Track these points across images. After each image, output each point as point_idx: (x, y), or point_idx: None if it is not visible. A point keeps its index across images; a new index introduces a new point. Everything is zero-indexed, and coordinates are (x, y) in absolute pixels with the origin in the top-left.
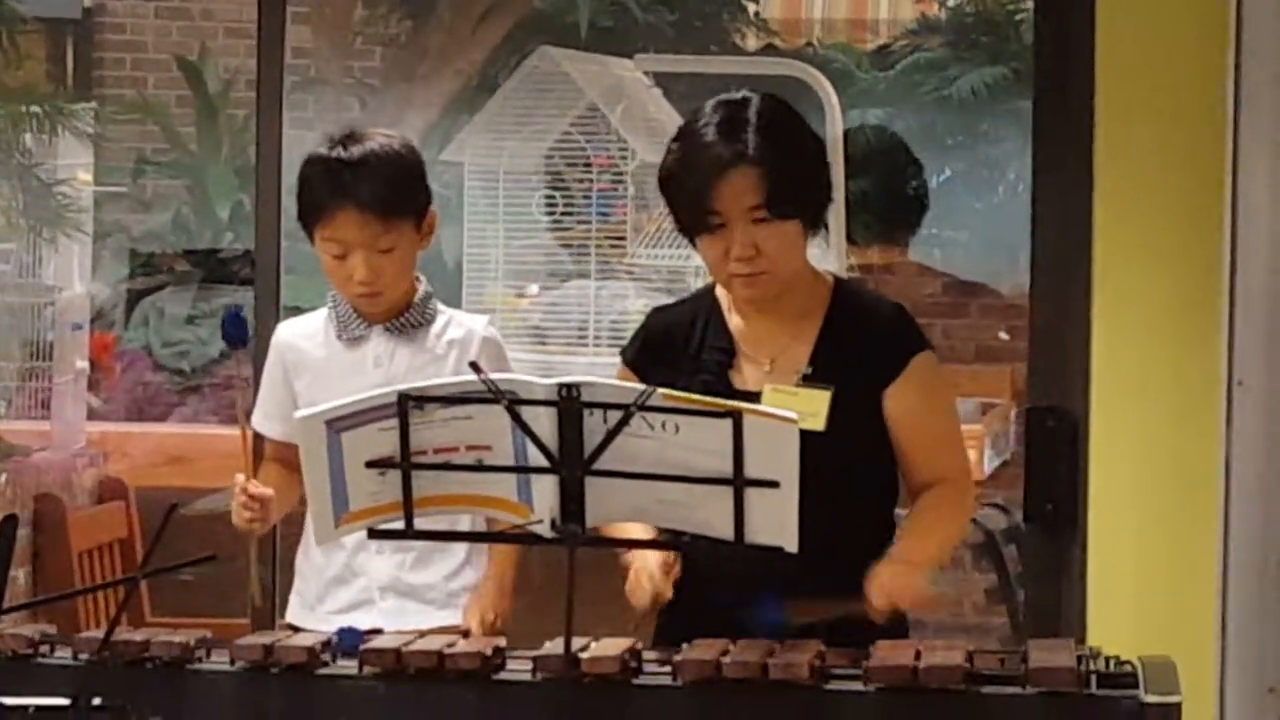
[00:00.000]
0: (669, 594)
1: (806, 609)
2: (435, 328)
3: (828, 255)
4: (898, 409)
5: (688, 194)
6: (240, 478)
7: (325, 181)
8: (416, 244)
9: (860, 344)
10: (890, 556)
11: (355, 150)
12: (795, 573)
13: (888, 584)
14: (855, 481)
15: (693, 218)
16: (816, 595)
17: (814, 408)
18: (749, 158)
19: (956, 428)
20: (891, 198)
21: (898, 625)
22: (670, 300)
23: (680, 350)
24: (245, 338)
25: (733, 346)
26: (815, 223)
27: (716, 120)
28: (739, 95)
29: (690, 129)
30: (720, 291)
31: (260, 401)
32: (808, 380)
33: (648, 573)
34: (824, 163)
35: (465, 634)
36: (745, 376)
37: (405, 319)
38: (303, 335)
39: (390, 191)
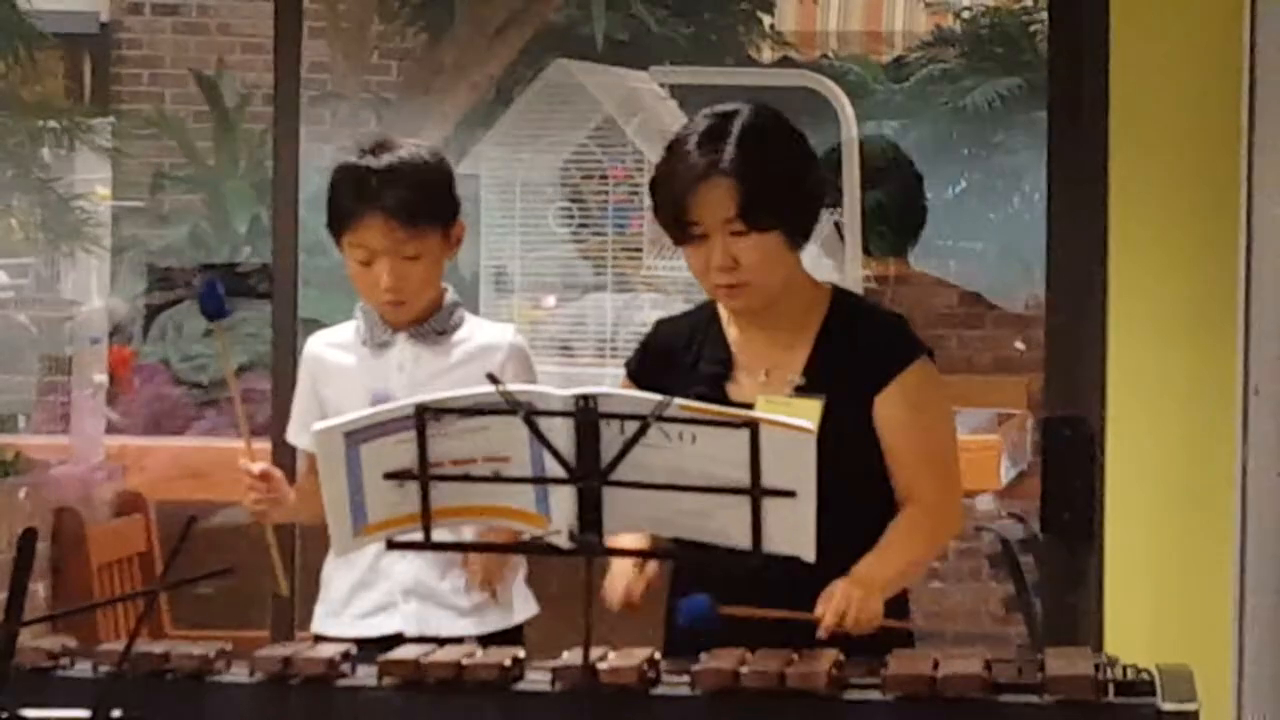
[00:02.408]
0: (638, 591)
1: (746, 608)
2: (460, 334)
3: (842, 266)
4: (885, 417)
5: (668, 204)
6: (244, 461)
7: (352, 188)
8: (443, 253)
9: (855, 353)
10: (851, 575)
11: (384, 158)
12: (792, 578)
13: (839, 603)
14: (849, 490)
15: (675, 228)
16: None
17: (806, 417)
18: (722, 169)
19: (946, 442)
20: (897, 210)
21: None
22: (677, 312)
23: (680, 362)
24: (222, 310)
25: (730, 358)
26: (800, 234)
27: (700, 131)
28: (729, 107)
29: (676, 139)
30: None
31: (293, 414)
32: (800, 390)
33: (620, 570)
34: (807, 175)
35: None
36: (742, 388)
37: (430, 325)
38: (331, 344)
39: (416, 199)
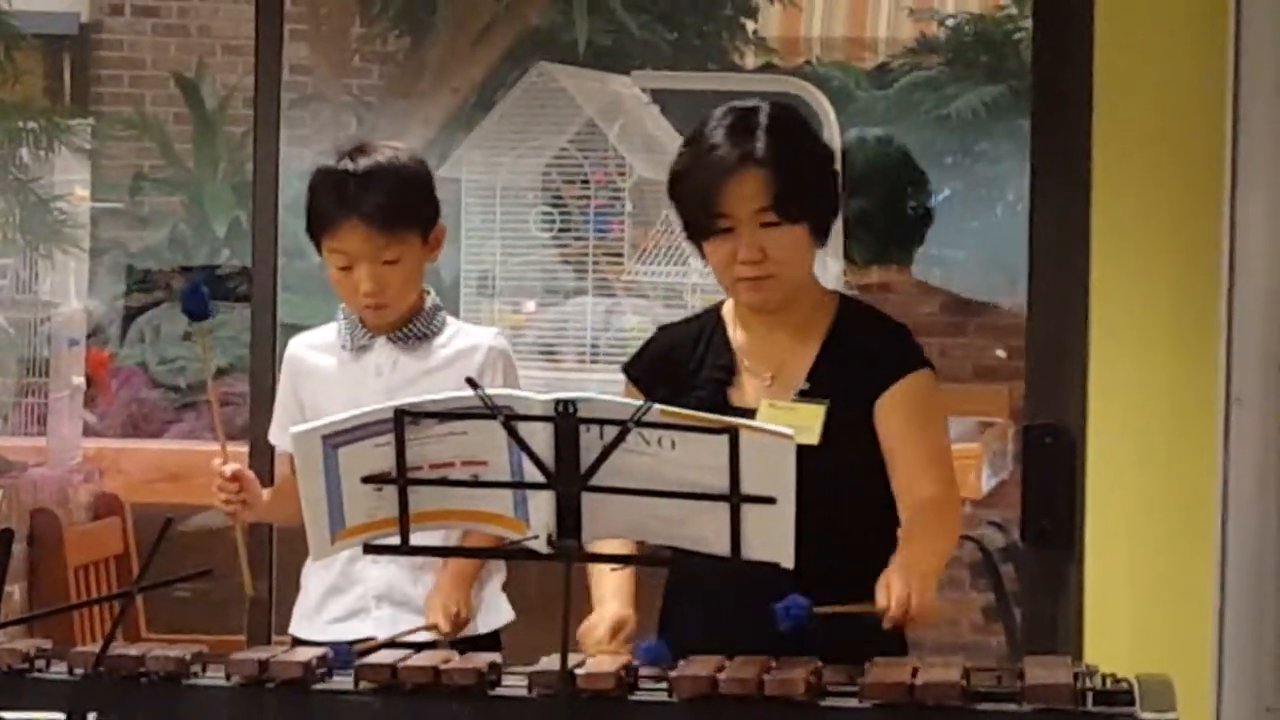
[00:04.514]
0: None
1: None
2: (440, 339)
3: (825, 272)
4: (885, 421)
5: (696, 196)
6: (216, 462)
7: (331, 193)
8: (423, 256)
9: (860, 359)
10: (897, 565)
11: (362, 162)
12: (793, 586)
13: (901, 591)
14: (854, 495)
15: (701, 220)
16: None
17: (809, 422)
18: (757, 159)
19: (944, 447)
20: (896, 214)
21: (898, 640)
22: (675, 318)
23: (683, 367)
24: (206, 311)
25: (733, 363)
26: (823, 229)
27: (726, 124)
28: (750, 103)
29: (700, 133)
30: (726, 309)
31: (275, 415)
32: (804, 395)
33: (594, 638)
34: (832, 170)
35: (433, 627)
36: (745, 393)
37: (409, 329)
38: (312, 346)
39: (394, 204)
